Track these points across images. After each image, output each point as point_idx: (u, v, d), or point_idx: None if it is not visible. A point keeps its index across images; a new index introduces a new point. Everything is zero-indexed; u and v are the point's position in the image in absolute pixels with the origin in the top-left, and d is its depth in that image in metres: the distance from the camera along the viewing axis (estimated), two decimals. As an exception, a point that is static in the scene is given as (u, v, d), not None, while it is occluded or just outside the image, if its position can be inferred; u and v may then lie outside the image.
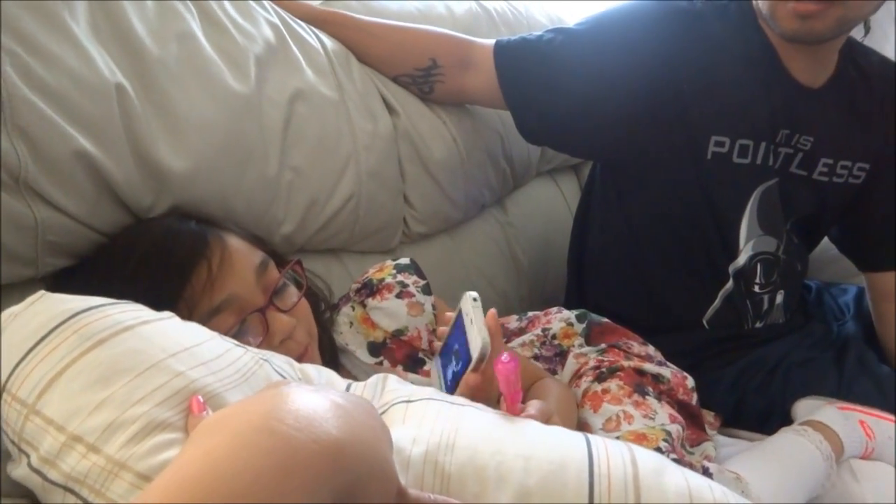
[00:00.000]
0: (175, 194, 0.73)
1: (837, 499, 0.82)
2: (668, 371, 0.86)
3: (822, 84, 1.03)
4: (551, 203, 1.45)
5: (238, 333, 0.65)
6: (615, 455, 0.47)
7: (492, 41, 1.08)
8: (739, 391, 1.01)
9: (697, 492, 0.45)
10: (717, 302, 1.07)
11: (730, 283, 1.06)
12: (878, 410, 0.92)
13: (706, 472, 0.70)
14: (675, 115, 0.99)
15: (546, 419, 0.56)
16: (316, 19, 1.04)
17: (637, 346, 0.92)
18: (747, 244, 1.05)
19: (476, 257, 1.22)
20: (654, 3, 1.03)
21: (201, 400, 0.46)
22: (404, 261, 0.83)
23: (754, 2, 0.98)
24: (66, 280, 0.67)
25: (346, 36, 1.05)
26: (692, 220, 1.04)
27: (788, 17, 0.92)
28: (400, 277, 0.80)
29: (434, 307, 0.81)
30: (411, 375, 0.76)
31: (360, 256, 1.03)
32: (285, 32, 0.94)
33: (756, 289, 1.07)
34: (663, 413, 0.78)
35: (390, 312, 0.78)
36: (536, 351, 0.93)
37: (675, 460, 0.67)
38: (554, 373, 0.90)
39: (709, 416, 0.97)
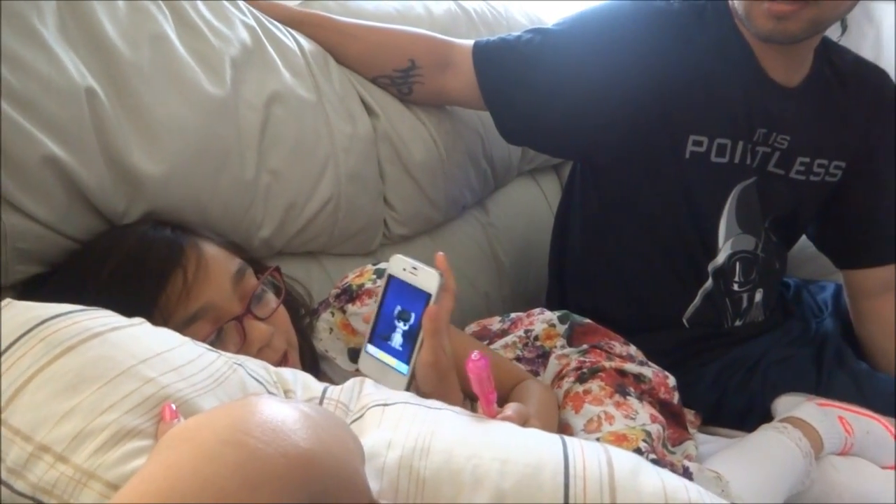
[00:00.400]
0: (149, 199, 0.72)
1: (818, 493, 0.83)
2: (650, 371, 0.86)
3: (799, 83, 1.04)
4: (532, 203, 1.45)
5: (215, 342, 0.65)
6: (591, 457, 0.47)
7: (471, 42, 1.08)
8: (719, 389, 1.02)
9: (673, 492, 0.45)
10: (696, 300, 1.07)
11: (709, 282, 1.06)
12: (857, 406, 0.93)
13: (686, 472, 0.71)
14: (653, 114, 0.99)
15: (523, 421, 0.55)
16: (293, 20, 1.03)
17: (619, 347, 0.92)
18: (726, 243, 1.05)
19: (457, 258, 1.21)
20: (632, 3, 1.03)
21: (174, 407, 0.46)
22: (384, 265, 0.82)
23: (731, 2, 0.99)
24: (37, 287, 0.66)
25: (324, 37, 1.05)
26: (671, 219, 1.05)
27: (763, 17, 0.93)
28: (380, 283, 0.79)
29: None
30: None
31: (340, 259, 1.02)
32: (261, 34, 0.93)
33: (735, 287, 1.07)
34: (644, 413, 0.78)
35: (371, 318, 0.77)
36: (519, 352, 0.92)
37: (654, 460, 0.68)
38: (536, 374, 0.90)
39: (689, 415, 0.98)
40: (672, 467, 0.70)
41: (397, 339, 0.64)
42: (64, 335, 0.47)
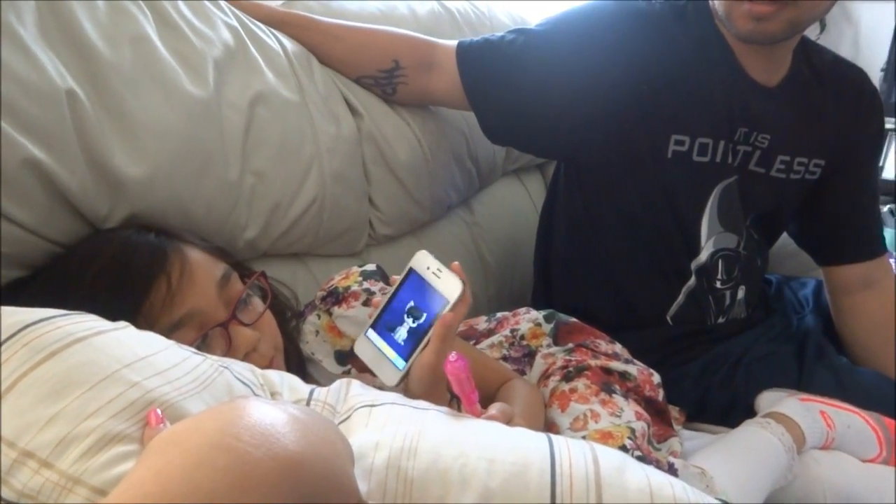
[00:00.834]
0: (132, 202, 0.72)
1: (801, 487, 0.84)
2: (635, 368, 0.87)
3: (778, 83, 1.05)
4: (517, 202, 1.46)
5: (200, 348, 0.64)
6: (577, 454, 0.47)
7: (454, 42, 1.08)
8: (703, 386, 1.03)
9: (658, 489, 0.46)
10: (680, 298, 1.08)
11: (692, 280, 1.07)
12: (838, 401, 0.94)
13: (672, 468, 0.71)
14: (635, 114, 1.00)
15: (507, 420, 0.56)
16: (275, 21, 1.02)
17: (604, 345, 0.93)
18: (708, 241, 1.06)
19: (443, 258, 1.19)
20: (614, 3, 1.04)
21: (159, 412, 0.45)
22: (370, 267, 0.82)
23: (711, 3, 1.00)
24: (18, 292, 0.65)
25: (307, 38, 1.04)
26: (654, 218, 1.05)
27: (743, 18, 0.94)
28: (366, 285, 0.79)
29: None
30: (378, 381, 0.76)
31: (325, 260, 1.02)
32: (244, 35, 0.93)
33: (718, 285, 1.09)
34: (629, 410, 0.79)
35: (357, 320, 0.77)
36: (505, 352, 0.93)
37: (639, 457, 0.69)
38: (523, 373, 0.91)
39: (674, 412, 0.99)
40: (657, 464, 0.71)
41: (402, 334, 0.64)
42: (47, 340, 0.46)
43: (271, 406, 0.37)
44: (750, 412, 0.96)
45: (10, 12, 0.67)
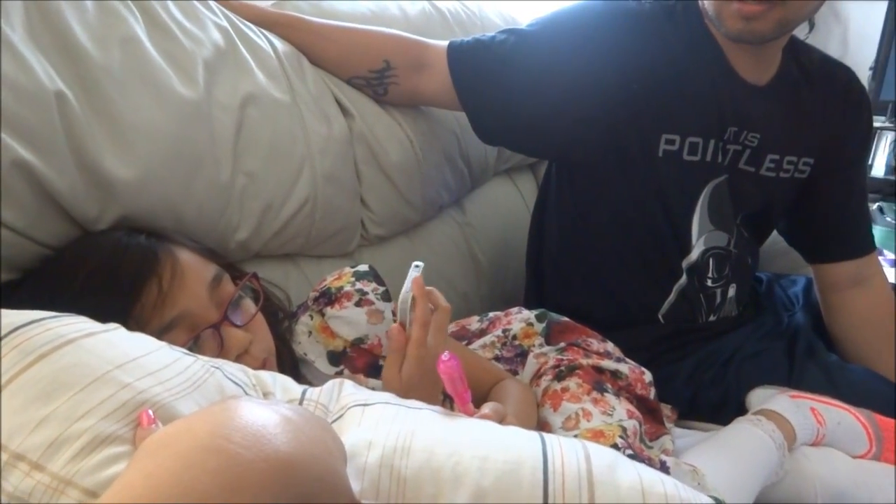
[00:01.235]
0: (123, 204, 0.72)
1: (792, 483, 0.84)
2: (626, 367, 0.87)
3: (767, 82, 1.06)
4: (509, 202, 1.46)
5: (192, 349, 0.64)
6: (569, 453, 0.47)
7: (445, 42, 1.08)
8: (695, 384, 1.03)
9: (650, 486, 0.46)
10: (671, 297, 1.09)
11: (683, 278, 1.08)
12: (828, 398, 0.95)
13: (664, 466, 0.72)
14: (626, 113, 1.00)
15: (500, 420, 0.56)
16: (266, 21, 1.02)
17: (596, 344, 0.93)
18: (699, 239, 1.07)
19: (435, 258, 1.22)
20: (604, 3, 1.04)
21: (151, 413, 0.45)
22: (363, 268, 0.82)
23: (700, 3, 1.00)
24: (8, 295, 0.65)
25: (298, 38, 1.04)
26: (645, 217, 1.06)
27: (733, 18, 0.95)
28: (359, 285, 0.79)
29: (394, 314, 0.81)
30: (372, 381, 0.76)
31: (317, 261, 1.02)
32: (234, 35, 0.93)
33: (709, 283, 1.09)
34: (621, 409, 0.79)
35: (350, 321, 0.77)
36: (497, 352, 0.93)
37: (631, 455, 0.69)
38: (515, 373, 0.91)
39: (666, 410, 0.99)
40: (650, 462, 0.71)
41: None
42: (37, 342, 0.46)
43: (263, 406, 0.37)
44: (741, 409, 0.97)
45: (-3, 14, 0.66)
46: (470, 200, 1.36)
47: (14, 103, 0.64)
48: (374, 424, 0.50)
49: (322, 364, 0.76)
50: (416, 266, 0.69)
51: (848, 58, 4.01)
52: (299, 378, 0.76)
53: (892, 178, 3.66)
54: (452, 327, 1.02)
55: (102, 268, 0.63)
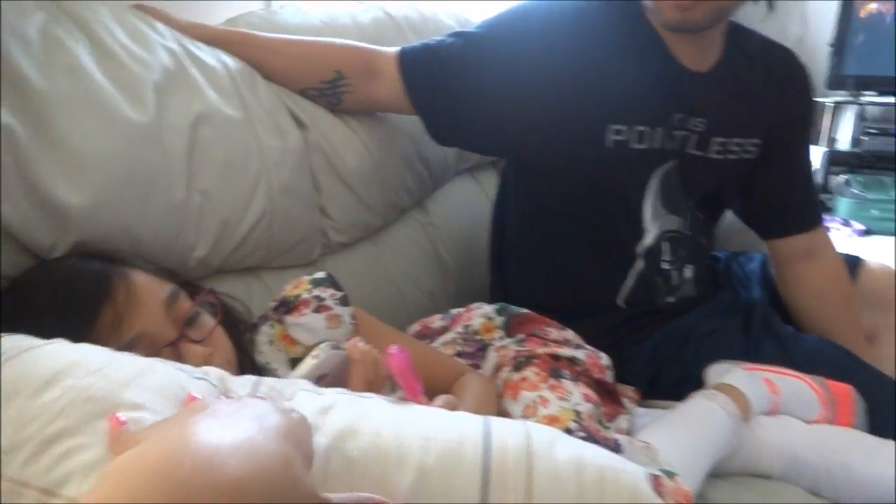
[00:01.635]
0: (77, 231, 0.73)
1: (749, 452, 0.88)
2: (583, 353, 0.90)
3: (709, 68, 1.09)
4: (473, 201, 1.49)
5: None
6: (511, 432, 0.50)
7: (396, 49, 1.11)
8: (656, 364, 1.06)
9: (587, 458, 0.48)
10: (629, 282, 1.12)
11: (640, 263, 1.11)
12: (782, 368, 0.98)
13: (616, 444, 0.74)
14: (573, 107, 1.03)
15: (452, 409, 0.58)
16: (216, 40, 1.04)
17: (554, 333, 0.96)
18: (653, 224, 1.10)
19: (400, 260, 1.24)
20: (548, 2, 1.07)
21: (121, 417, 0.46)
22: (320, 275, 0.85)
23: None
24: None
25: (249, 54, 1.06)
26: (599, 206, 1.09)
27: (670, 9, 0.98)
28: (316, 292, 0.82)
29: (353, 317, 0.83)
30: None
31: (280, 272, 1.03)
32: (184, 56, 0.94)
33: (665, 266, 1.12)
34: (577, 394, 0.82)
35: (309, 327, 0.79)
36: (459, 348, 0.96)
37: (585, 437, 0.72)
38: (477, 367, 0.93)
39: (628, 391, 1.02)
40: (604, 441, 0.74)
41: None
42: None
43: (222, 422, 0.38)
44: (700, 386, 1.00)
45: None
46: (432, 201, 1.39)
47: (-40, 140, 0.65)
48: (326, 408, 0.52)
49: (284, 372, 0.78)
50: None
51: (808, 36, 4.09)
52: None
53: (857, 150, 3.73)
54: (415, 326, 1.04)
55: (57, 295, 0.64)
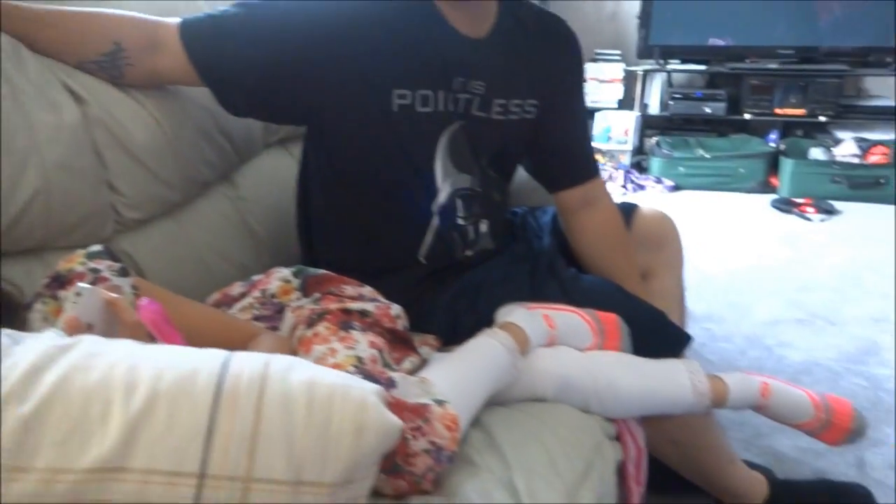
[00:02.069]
0: None
1: (528, 380, 0.97)
2: (373, 305, 0.95)
3: (486, 34, 1.17)
4: (285, 173, 1.49)
5: None
6: (251, 361, 0.54)
7: (177, 20, 1.09)
8: (453, 313, 1.14)
9: (319, 379, 0.53)
10: (428, 239, 1.19)
11: (436, 221, 1.18)
12: (560, 305, 1.09)
13: (390, 381, 0.80)
14: (357, 75, 1.07)
15: None
16: None
17: (350, 289, 1.00)
18: (445, 183, 1.17)
19: (206, 235, 1.23)
20: None
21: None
22: (95, 248, 0.83)
23: None
24: None
25: (15, 28, 1.00)
26: (393, 169, 1.14)
27: None
28: (92, 264, 0.80)
29: (135, 287, 0.82)
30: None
31: (67, 252, 0.99)
32: (-70, 32, 0.88)
33: (460, 221, 1.20)
34: (364, 341, 0.88)
35: None
36: (256, 312, 0.98)
37: (364, 376, 0.77)
38: (276, 329, 0.96)
39: (430, 339, 1.09)
40: (381, 378, 0.80)
41: None
42: None
43: None
44: (492, 328, 1.09)
45: None
46: (241, 175, 1.38)
47: None
48: (66, 347, 0.52)
49: (59, 347, 0.77)
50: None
51: (620, 10, 4.40)
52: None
53: (666, 114, 4.11)
54: (215, 295, 1.05)
55: None
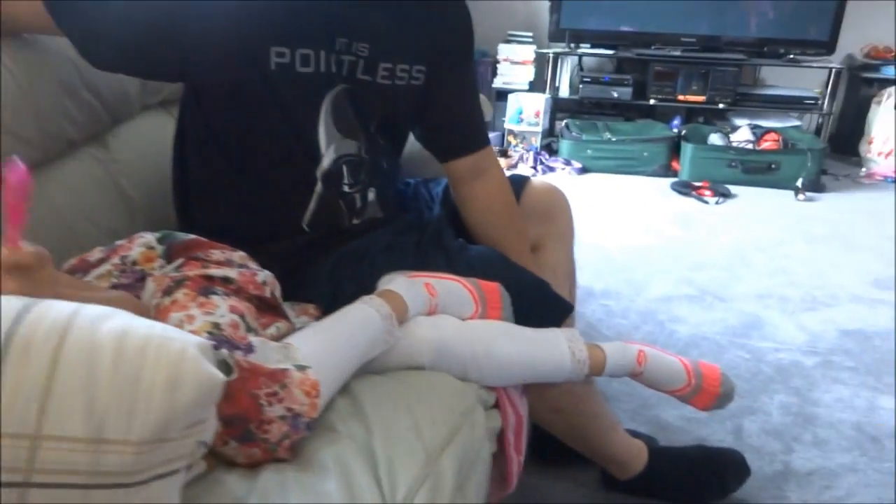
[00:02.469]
0: None
1: (404, 347, 0.96)
2: (237, 272, 0.91)
3: None
4: (166, 135, 1.40)
5: None
6: (58, 308, 0.49)
7: (33, -38, 0.99)
8: (335, 281, 1.11)
9: (134, 329, 0.49)
10: (312, 205, 1.15)
11: (320, 186, 1.14)
12: (443, 273, 1.08)
13: (249, 345, 0.77)
14: (233, 30, 1.01)
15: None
16: None
17: (219, 254, 0.95)
18: (329, 148, 1.13)
19: (70, 197, 1.15)
20: None
21: None
22: None
23: None
24: None
25: None
26: (271, 131, 1.09)
27: None
28: None
29: None
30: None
31: None
32: None
33: (346, 188, 1.17)
34: (224, 307, 0.83)
35: None
36: (115, 280, 0.91)
37: (220, 341, 0.73)
38: (139, 297, 0.90)
39: (310, 308, 1.06)
40: (239, 343, 0.76)
41: None
42: None
43: None
44: (376, 298, 1.06)
45: None
46: (114, 136, 1.29)
47: None
48: None
49: None
50: None
51: (530, -6, 4.37)
52: None
53: (576, 97, 4.18)
54: (72, 260, 0.97)
55: None
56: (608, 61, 4.33)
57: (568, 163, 3.81)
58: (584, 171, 3.82)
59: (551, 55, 4.05)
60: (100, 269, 0.92)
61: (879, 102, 3.96)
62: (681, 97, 3.96)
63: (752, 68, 4.23)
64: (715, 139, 3.77)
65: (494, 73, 4.23)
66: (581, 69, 4.24)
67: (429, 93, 1.23)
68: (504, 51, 4.18)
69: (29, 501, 0.43)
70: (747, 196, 3.54)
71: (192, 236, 0.99)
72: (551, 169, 3.79)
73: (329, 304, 1.10)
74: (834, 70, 3.87)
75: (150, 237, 0.96)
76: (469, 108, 1.29)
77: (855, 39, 4.12)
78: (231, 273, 0.89)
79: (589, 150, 3.85)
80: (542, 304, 1.15)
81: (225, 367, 0.71)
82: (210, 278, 0.87)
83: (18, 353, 0.44)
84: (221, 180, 1.14)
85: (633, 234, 2.98)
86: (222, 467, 0.70)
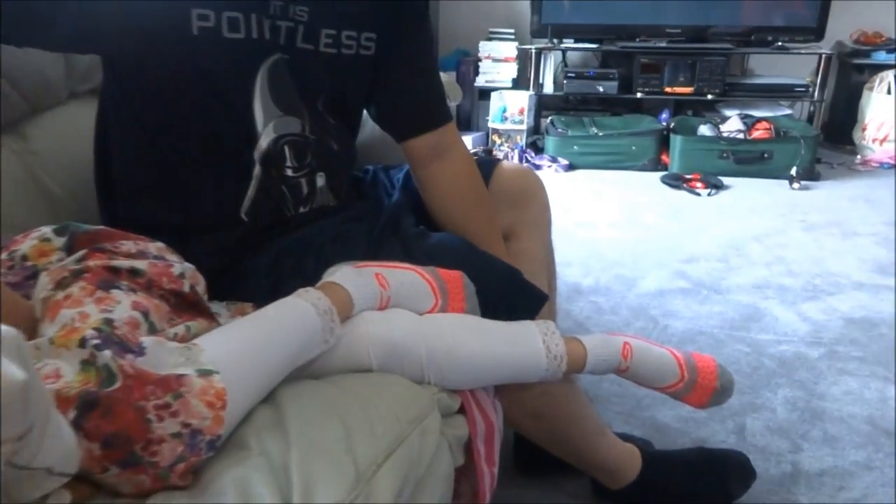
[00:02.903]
0: None
1: (347, 346, 0.82)
2: (147, 263, 0.77)
3: None
4: (93, 125, 1.28)
5: None
6: None
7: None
8: (275, 275, 0.98)
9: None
10: (251, 192, 1.02)
11: (258, 170, 1.01)
12: (397, 263, 0.95)
13: (140, 346, 0.63)
14: None
15: None
16: None
17: (131, 245, 0.82)
18: (267, 127, 1.00)
19: (-24, 193, 1.01)
20: None
21: None
22: None
23: None
24: None
25: None
26: (199, 108, 0.96)
27: None
28: None
29: None
30: None
31: None
32: None
33: (289, 173, 1.04)
34: (127, 302, 0.70)
35: None
36: (2, 278, 0.78)
37: (100, 343, 0.60)
38: (28, 297, 0.77)
39: (247, 308, 0.93)
40: (129, 344, 0.62)
41: None
42: None
43: None
44: (320, 291, 0.93)
45: None
46: (34, 126, 1.16)
47: None
48: None
49: None
50: None
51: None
52: None
53: (561, 93, 4.07)
54: (-44, 259, 0.84)
55: None
56: (592, 56, 4.23)
57: (554, 160, 3.69)
58: (571, 167, 3.70)
59: (534, 51, 3.93)
60: (-15, 267, 0.79)
61: (871, 88, 3.86)
62: (668, 89, 3.85)
63: (740, 57, 4.13)
64: (705, 130, 3.65)
65: (477, 72, 4.12)
66: (565, 64, 4.13)
67: (381, 64, 1.10)
68: (486, 48, 4.07)
69: None
70: (740, 187, 3.43)
71: (102, 227, 0.85)
72: (537, 167, 3.67)
73: (269, 299, 0.96)
74: (824, 56, 3.76)
75: (46, 230, 0.83)
76: (427, 81, 1.16)
77: (843, 26, 4.03)
78: (140, 265, 0.75)
79: (575, 147, 3.73)
80: (513, 293, 1.01)
81: (107, 373, 0.58)
82: (115, 270, 0.74)
83: None
84: (149, 167, 1.01)
85: (622, 227, 2.86)
86: (105, 498, 0.56)
